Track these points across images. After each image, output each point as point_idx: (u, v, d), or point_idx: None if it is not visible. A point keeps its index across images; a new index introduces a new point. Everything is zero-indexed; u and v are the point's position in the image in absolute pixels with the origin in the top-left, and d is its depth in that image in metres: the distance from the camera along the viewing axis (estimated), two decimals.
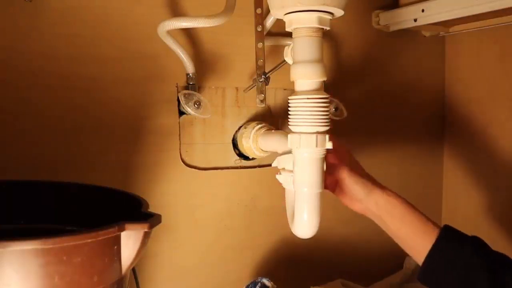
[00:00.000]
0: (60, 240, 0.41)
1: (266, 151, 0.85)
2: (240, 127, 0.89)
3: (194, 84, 0.81)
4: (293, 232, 0.70)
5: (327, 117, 0.65)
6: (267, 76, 0.85)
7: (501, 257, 0.63)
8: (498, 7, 0.82)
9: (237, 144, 0.89)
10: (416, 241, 0.64)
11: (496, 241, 0.65)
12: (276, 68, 0.86)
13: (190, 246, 0.86)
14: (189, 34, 0.83)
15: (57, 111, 0.73)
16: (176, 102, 0.82)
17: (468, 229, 0.65)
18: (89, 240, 0.43)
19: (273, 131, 0.82)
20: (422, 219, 0.65)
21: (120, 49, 0.77)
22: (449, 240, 0.63)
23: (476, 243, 0.63)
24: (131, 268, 0.50)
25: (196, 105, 0.79)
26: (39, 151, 0.72)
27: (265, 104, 0.87)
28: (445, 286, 0.62)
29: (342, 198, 0.71)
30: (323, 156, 0.66)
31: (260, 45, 0.84)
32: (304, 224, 0.67)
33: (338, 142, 0.70)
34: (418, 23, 0.97)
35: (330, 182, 0.70)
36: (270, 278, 0.80)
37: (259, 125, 0.85)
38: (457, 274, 0.61)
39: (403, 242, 0.67)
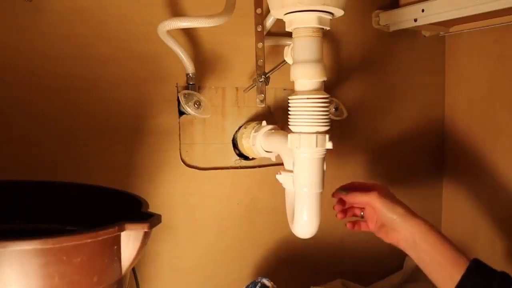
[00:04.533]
0: (60, 240, 0.41)
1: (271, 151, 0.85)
2: (240, 127, 0.89)
3: (194, 84, 0.81)
4: (293, 232, 0.70)
5: (327, 117, 0.65)
6: (267, 76, 0.85)
7: None
8: (498, 7, 0.82)
9: (237, 144, 0.89)
10: (445, 272, 0.63)
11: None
12: (276, 68, 0.86)
13: (190, 246, 0.86)
14: (189, 34, 0.83)
15: (56, 111, 0.73)
16: (176, 102, 0.82)
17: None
18: (89, 240, 0.43)
19: (273, 131, 0.82)
20: (453, 249, 0.64)
21: (120, 49, 0.77)
22: (477, 274, 0.61)
23: (505, 278, 0.61)
24: (131, 268, 0.50)
25: (196, 105, 0.79)
26: (39, 151, 0.72)
27: (265, 104, 0.87)
28: None
29: (378, 230, 0.72)
30: (323, 156, 0.66)
31: (260, 45, 0.84)
32: (304, 224, 0.67)
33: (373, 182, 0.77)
34: (418, 23, 0.97)
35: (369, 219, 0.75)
36: (270, 278, 0.80)
37: (269, 127, 0.83)
38: None
39: (432, 272, 0.65)
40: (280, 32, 0.87)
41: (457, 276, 0.61)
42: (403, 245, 0.68)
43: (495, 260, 1.01)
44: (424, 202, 1.14)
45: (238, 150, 0.90)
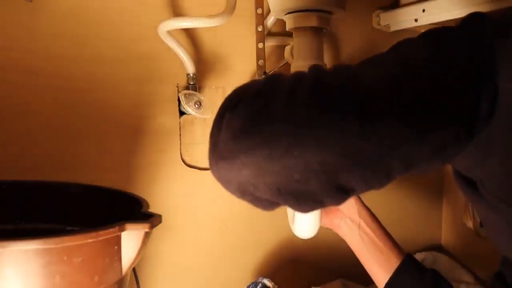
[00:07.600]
0: (61, 240, 0.41)
1: None
2: None
3: (195, 84, 0.81)
4: (294, 233, 0.70)
5: None
6: (268, 76, 0.85)
7: None
8: (499, 7, 0.82)
9: None
10: (382, 255, 0.67)
11: None
12: (277, 68, 0.86)
13: (191, 246, 0.86)
14: (190, 34, 0.83)
15: (57, 111, 0.73)
16: (177, 102, 0.82)
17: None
18: (90, 240, 0.43)
19: None
20: (391, 238, 0.68)
21: (121, 49, 0.77)
22: (413, 263, 0.65)
23: (435, 271, 0.64)
24: (131, 268, 0.50)
25: (196, 105, 0.79)
26: (39, 151, 0.72)
27: None
28: None
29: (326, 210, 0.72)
30: None
31: (260, 45, 0.84)
32: (305, 225, 0.67)
33: None
34: (418, 23, 0.96)
35: None
36: (271, 279, 0.80)
37: None
38: None
39: (371, 252, 0.69)
40: (281, 32, 0.87)
41: (394, 260, 0.65)
42: (348, 224, 0.71)
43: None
44: (424, 203, 1.14)
45: None
